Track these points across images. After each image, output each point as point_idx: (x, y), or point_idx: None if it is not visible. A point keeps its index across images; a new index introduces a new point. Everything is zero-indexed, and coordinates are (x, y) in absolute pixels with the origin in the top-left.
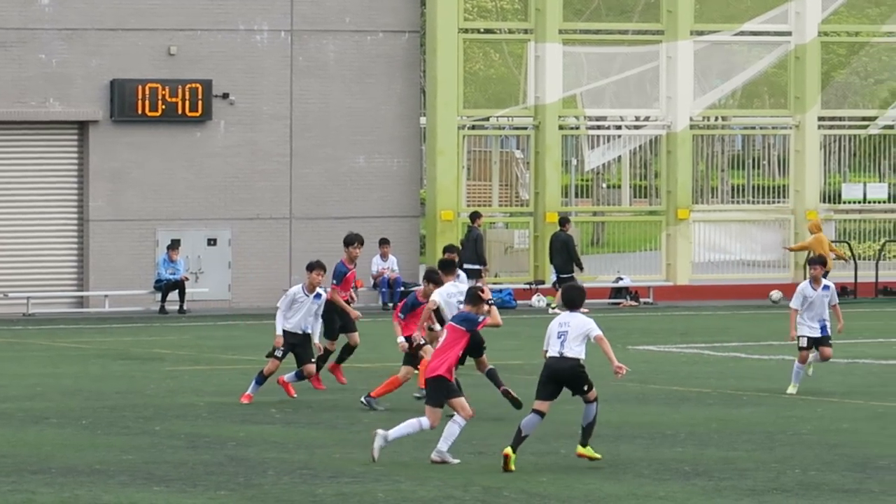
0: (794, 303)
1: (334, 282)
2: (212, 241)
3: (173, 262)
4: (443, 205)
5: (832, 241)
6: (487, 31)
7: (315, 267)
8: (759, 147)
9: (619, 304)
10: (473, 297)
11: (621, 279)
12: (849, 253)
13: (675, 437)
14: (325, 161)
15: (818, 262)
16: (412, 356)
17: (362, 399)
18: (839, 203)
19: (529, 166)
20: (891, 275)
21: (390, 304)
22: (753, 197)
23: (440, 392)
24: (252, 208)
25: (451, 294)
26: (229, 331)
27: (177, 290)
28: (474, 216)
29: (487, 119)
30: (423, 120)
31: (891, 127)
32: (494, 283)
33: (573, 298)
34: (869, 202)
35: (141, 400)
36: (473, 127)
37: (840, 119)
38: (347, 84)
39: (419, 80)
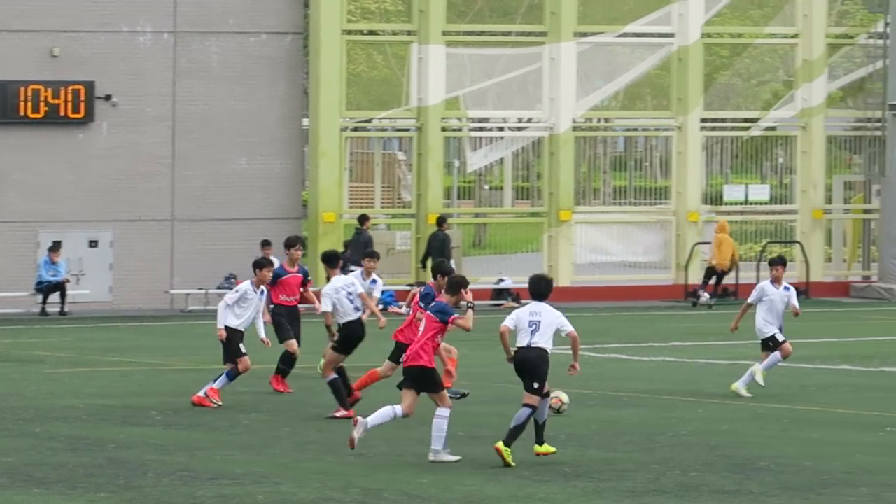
0: (752, 297)
1: (269, 284)
2: (93, 243)
3: (54, 263)
4: (325, 206)
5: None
6: (371, 32)
7: (264, 265)
8: (642, 148)
9: (500, 305)
10: (453, 286)
11: (503, 280)
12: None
13: (555, 438)
14: (207, 163)
15: (779, 263)
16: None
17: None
18: (721, 204)
19: (412, 168)
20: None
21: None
22: (635, 198)
23: (425, 383)
24: (134, 210)
25: (338, 289)
26: (110, 333)
27: (58, 292)
28: (363, 218)
29: (370, 121)
30: (305, 121)
31: (773, 129)
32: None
33: (541, 289)
34: (751, 204)
35: (21, 402)
36: (356, 129)
37: (722, 121)
38: (230, 86)
39: (302, 81)
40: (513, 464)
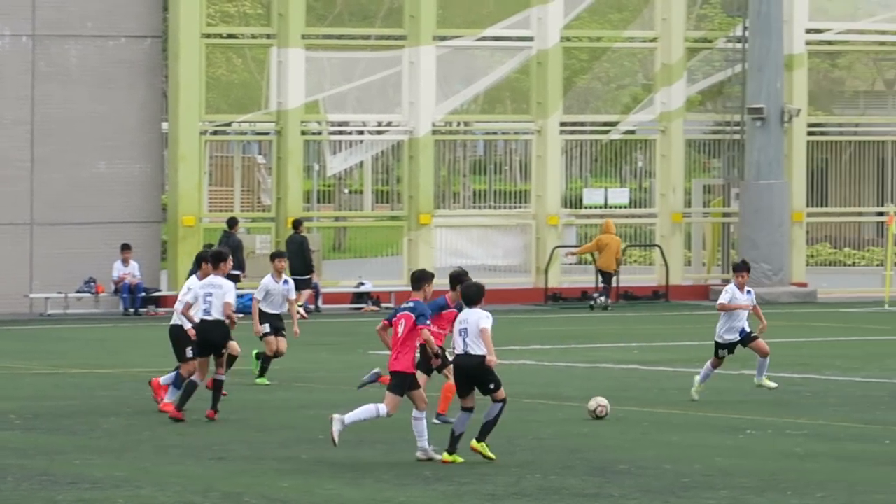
0: (723, 298)
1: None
2: None
3: None
4: (184, 210)
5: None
6: (230, 36)
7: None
8: (501, 152)
9: (360, 308)
10: (415, 280)
11: (363, 284)
12: (591, 257)
13: (416, 442)
14: (66, 166)
15: (744, 269)
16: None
17: (435, 419)
18: (580, 208)
19: (271, 171)
20: (631, 279)
21: (132, 310)
22: (495, 202)
23: (404, 383)
24: None
25: (203, 286)
26: None
27: None
28: (232, 222)
29: (230, 124)
30: (165, 125)
31: (632, 132)
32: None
33: (471, 295)
34: (610, 207)
35: None
36: (215, 132)
37: (582, 124)
38: (89, 89)
39: (161, 85)
40: (492, 456)
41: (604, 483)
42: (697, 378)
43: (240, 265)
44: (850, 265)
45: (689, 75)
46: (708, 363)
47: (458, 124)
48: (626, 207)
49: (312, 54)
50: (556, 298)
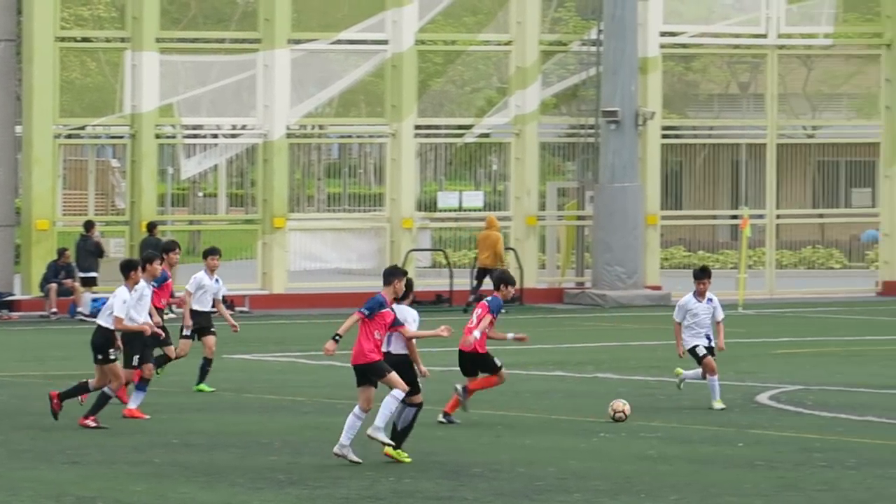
0: (677, 316)
1: (154, 284)
2: None
3: None
4: (38, 214)
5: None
6: (84, 39)
7: (156, 259)
8: (356, 155)
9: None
10: (386, 276)
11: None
12: (445, 261)
13: (269, 445)
14: None
15: (705, 276)
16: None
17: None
18: (435, 211)
19: (126, 175)
20: (487, 282)
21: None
22: (350, 205)
23: (373, 374)
24: None
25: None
26: None
27: None
28: (88, 224)
29: (84, 128)
30: (18, 128)
31: (487, 135)
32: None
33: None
34: (465, 210)
35: None
36: (70, 136)
37: (436, 127)
38: None
39: (15, 88)
40: (407, 460)
41: (458, 486)
42: (712, 395)
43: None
44: None
45: (544, 78)
46: (698, 371)
47: (313, 127)
48: (480, 210)
49: (167, 58)
50: (473, 299)
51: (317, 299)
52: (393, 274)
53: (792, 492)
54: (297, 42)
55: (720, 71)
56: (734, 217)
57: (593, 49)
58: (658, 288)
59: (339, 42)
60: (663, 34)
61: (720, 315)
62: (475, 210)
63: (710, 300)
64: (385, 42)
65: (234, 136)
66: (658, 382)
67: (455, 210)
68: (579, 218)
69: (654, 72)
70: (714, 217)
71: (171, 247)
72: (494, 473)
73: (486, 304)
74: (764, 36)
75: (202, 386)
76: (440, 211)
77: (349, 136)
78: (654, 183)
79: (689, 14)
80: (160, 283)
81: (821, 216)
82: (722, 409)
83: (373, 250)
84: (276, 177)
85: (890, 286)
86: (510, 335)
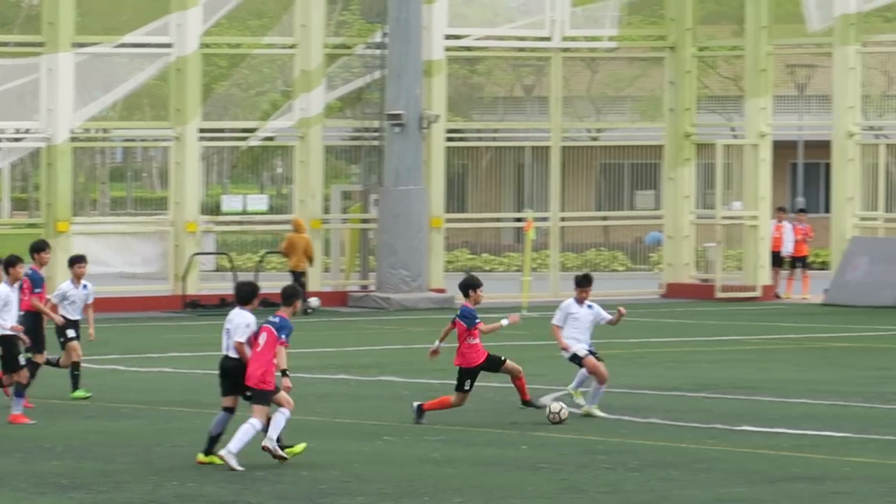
0: (556, 319)
1: (38, 290)
2: None
3: None
4: None
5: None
6: None
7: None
8: (140, 159)
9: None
10: (286, 297)
11: None
12: (229, 264)
13: (52, 450)
14: None
15: (588, 284)
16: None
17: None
18: (219, 215)
19: None
20: (271, 286)
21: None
22: (134, 209)
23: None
24: None
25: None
26: None
27: None
28: None
29: None
30: None
31: (271, 139)
32: None
33: (243, 295)
34: (249, 213)
35: None
36: None
37: (221, 131)
38: None
39: None
40: (220, 462)
41: (241, 490)
42: (591, 401)
43: None
44: (488, 271)
45: (329, 82)
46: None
47: (97, 131)
48: (264, 214)
49: None
50: (194, 305)
51: (101, 304)
52: (294, 294)
53: (575, 494)
54: (81, 45)
55: (505, 74)
56: (518, 220)
57: (378, 52)
58: (442, 291)
59: (123, 45)
60: (448, 37)
61: (603, 316)
62: (260, 213)
63: (589, 306)
64: (169, 45)
65: (17, 139)
66: (441, 385)
67: (239, 213)
68: (364, 221)
69: (439, 75)
70: (498, 220)
71: (42, 246)
72: (278, 477)
73: (458, 318)
74: (548, 39)
75: (78, 392)
76: (224, 214)
77: (133, 140)
78: (439, 186)
79: (474, 17)
80: (40, 286)
81: (605, 219)
82: (602, 417)
83: (157, 254)
84: (60, 181)
85: (673, 288)
86: (505, 321)
